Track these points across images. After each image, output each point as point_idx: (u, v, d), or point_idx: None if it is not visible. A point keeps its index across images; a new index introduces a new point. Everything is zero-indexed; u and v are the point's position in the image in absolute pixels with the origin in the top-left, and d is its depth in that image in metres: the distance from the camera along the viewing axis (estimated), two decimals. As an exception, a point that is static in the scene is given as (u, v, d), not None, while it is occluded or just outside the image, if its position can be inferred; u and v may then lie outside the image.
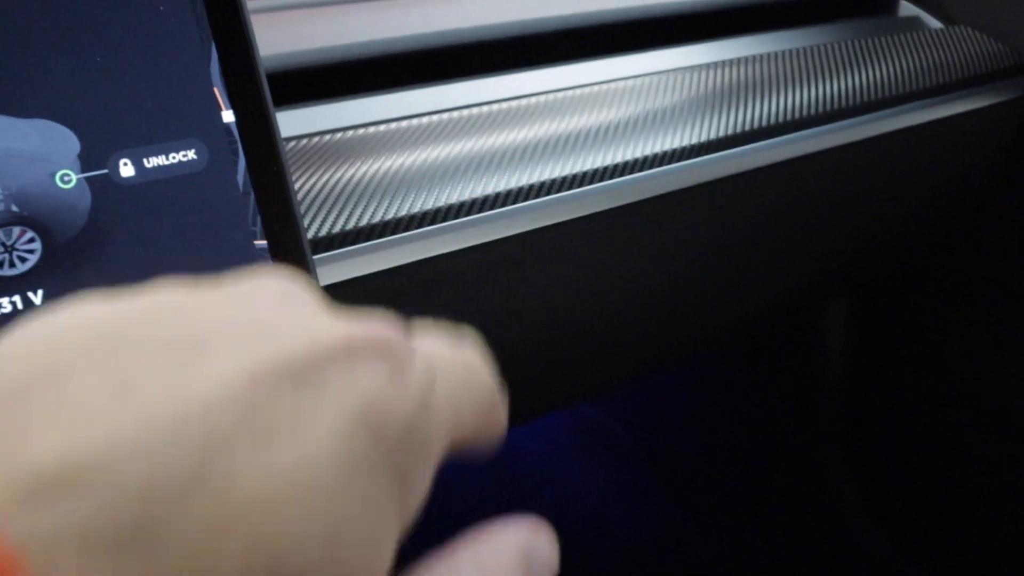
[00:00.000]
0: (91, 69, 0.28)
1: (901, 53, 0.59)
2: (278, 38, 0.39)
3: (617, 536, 0.99)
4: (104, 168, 0.28)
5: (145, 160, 0.28)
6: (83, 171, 0.28)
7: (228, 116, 0.30)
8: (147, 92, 0.29)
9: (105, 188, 0.28)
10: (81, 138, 0.28)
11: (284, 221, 0.30)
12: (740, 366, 0.93)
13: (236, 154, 0.30)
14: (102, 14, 0.28)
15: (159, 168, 0.29)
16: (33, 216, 0.27)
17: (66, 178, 0.27)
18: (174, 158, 0.29)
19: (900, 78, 0.58)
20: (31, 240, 0.27)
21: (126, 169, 0.28)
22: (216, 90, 0.30)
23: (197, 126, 0.29)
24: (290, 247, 0.30)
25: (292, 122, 0.39)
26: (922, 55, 0.60)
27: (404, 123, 0.41)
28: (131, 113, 0.28)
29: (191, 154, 0.29)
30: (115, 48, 0.28)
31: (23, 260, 0.27)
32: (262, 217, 0.30)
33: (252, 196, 0.30)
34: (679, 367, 0.98)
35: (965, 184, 0.68)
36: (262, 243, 0.30)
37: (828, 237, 0.63)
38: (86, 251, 0.27)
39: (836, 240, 0.64)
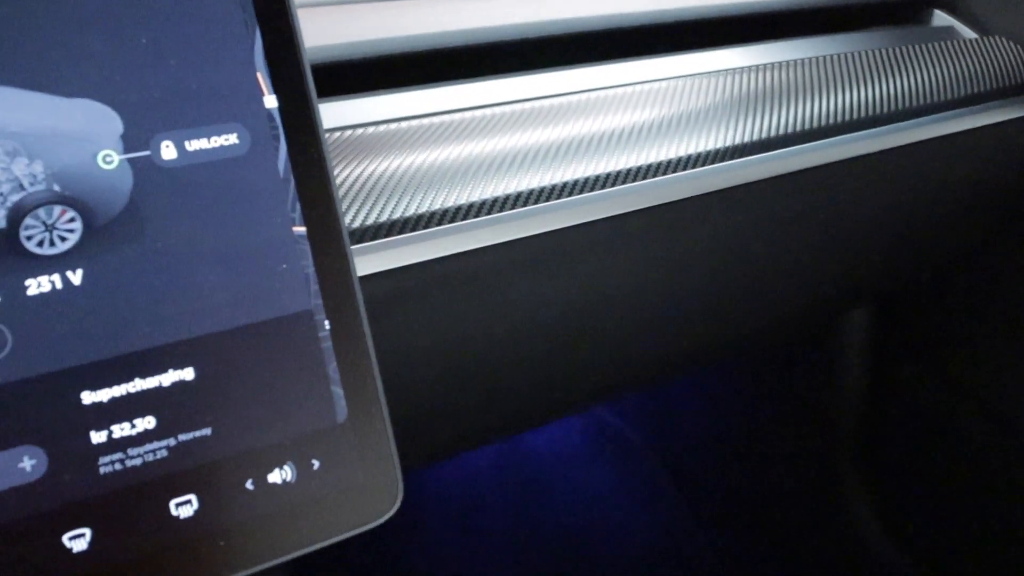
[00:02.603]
0: (135, 50, 0.28)
1: (934, 62, 0.59)
2: (325, 31, 0.39)
3: (628, 539, 0.98)
4: (146, 150, 0.28)
5: (187, 143, 0.28)
6: (125, 152, 0.27)
7: (271, 102, 0.29)
8: (190, 75, 0.28)
9: (147, 170, 0.28)
10: (124, 119, 0.28)
11: (323, 209, 0.30)
12: (755, 372, 0.93)
13: (277, 140, 0.29)
14: None
15: (201, 151, 0.28)
16: (74, 196, 0.27)
17: (108, 159, 0.27)
18: (216, 142, 0.29)
19: (932, 87, 0.58)
20: (71, 220, 0.27)
21: (168, 151, 0.28)
22: (259, 75, 0.29)
23: (239, 111, 0.29)
24: (328, 235, 0.30)
25: (334, 113, 0.38)
26: (955, 64, 0.59)
27: (444, 118, 0.40)
28: (174, 96, 0.28)
29: (233, 138, 0.29)
30: (159, 30, 0.28)
31: (63, 239, 0.27)
32: (301, 204, 0.30)
33: (292, 182, 0.30)
34: (695, 372, 0.97)
35: (995, 195, 0.67)
36: (301, 229, 0.30)
37: (854, 246, 0.63)
38: (126, 232, 0.27)
39: (862, 249, 0.63)
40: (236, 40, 0.29)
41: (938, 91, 0.58)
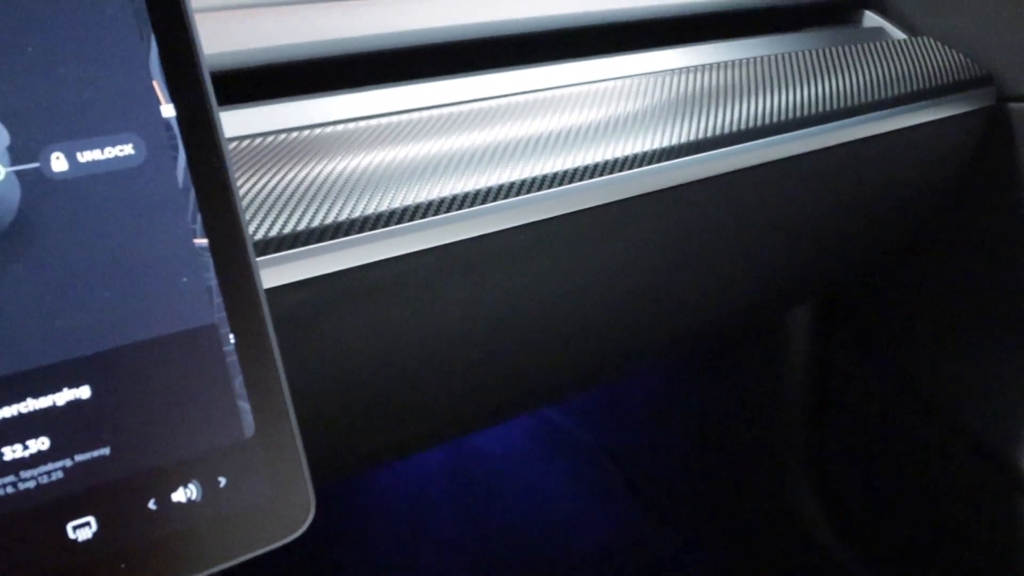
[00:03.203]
0: (22, 59, 0.27)
1: (865, 63, 0.59)
2: (225, 37, 0.38)
3: (577, 538, 0.98)
4: (35, 162, 0.27)
5: (79, 154, 0.27)
6: (12, 164, 0.27)
7: (168, 111, 0.29)
8: (82, 84, 0.28)
9: (36, 182, 0.27)
10: (11, 130, 0.27)
11: (225, 219, 0.29)
12: (701, 369, 0.93)
13: (176, 150, 0.29)
14: (34, 2, 0.27)
15: (94, 163, 0.28)
16: (-42, 210, 0.26)
17: (-6, 171, 0.26)
18: (110, 152, 0.28)
19: (864, 87, 0.58)
20: (-45, 235, 0.26)
21: (58, 163, 0.27)
22: (155, 83, 0.29)
23: (135, 120, 0.28)
24: (231, 246, 0.29)
25: (239, 122, 0.38)
26: (886, 65, 0.60)
27: (355, 124, 0.40)
28: (65, 105, 0.27)
29: (128, 149, 0.28)
30: (48, 38, 0.27)
31: (-54, 256, 0.26)
32: (203, 215, 0.29)
33: (192, 193, 0.29)
34: (641, 371, 0.97)
35: (926, 193, 0.68)
36: (202, 241, 0.29)
37: (792, 243, 0.63)
38: (14, 247, 0.26)
39: (800, 246, 0.64)
40: (130, 47, 0.28)
41: (870, 91, 0.58)
